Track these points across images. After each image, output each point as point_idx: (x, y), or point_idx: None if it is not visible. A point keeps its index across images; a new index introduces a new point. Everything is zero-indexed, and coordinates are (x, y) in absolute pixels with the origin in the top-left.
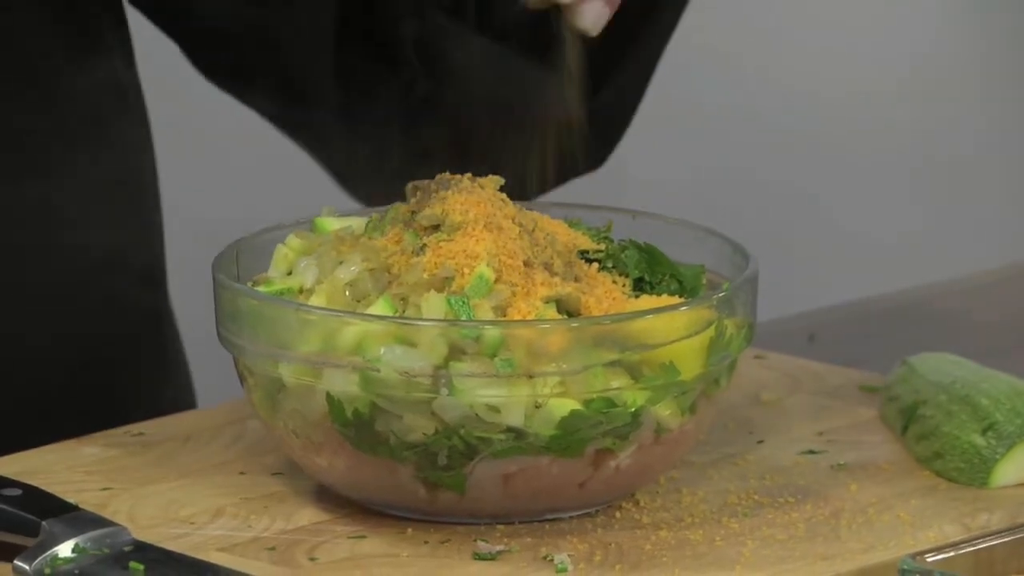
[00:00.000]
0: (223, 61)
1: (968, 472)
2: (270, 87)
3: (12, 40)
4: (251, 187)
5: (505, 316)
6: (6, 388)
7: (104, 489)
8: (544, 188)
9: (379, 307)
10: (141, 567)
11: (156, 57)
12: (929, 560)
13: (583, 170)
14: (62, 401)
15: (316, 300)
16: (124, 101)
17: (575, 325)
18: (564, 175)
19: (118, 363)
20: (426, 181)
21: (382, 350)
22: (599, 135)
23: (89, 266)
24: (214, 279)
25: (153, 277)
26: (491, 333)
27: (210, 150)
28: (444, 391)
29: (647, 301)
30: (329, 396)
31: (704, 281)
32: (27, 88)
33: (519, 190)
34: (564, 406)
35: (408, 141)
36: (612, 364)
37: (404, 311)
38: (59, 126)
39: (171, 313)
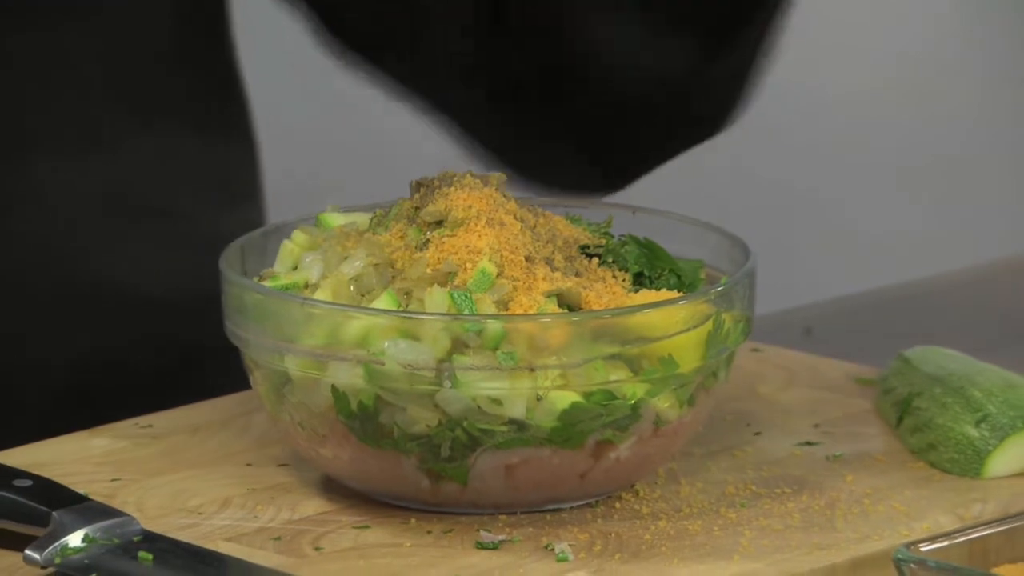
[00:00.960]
0: (361, 28)
1: (962, 463)
2: (406, 57)
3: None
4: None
5: (507, 310)
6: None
7: (113, 480)
8: (665, 157)
9: (383, 301)
10: (150, 557)
11: None
12: (923, 549)
13: (704, 136)
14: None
15: (321, 295)
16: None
17: (576, 319)
18: (688, 142)
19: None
20: (429, 177)
21: (386, 344)
22: (725, 99)
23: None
24: (221, 274)
25: None
26: (493, 327)
27: None
28: (447, 384)
29: (646, 295)
30: (334, 389)
31: (703, 276)
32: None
33: (642, 159)
34: (565, 398)
35: (548, 114)
36: (612, 357)
37: (408, 305)
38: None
39: None
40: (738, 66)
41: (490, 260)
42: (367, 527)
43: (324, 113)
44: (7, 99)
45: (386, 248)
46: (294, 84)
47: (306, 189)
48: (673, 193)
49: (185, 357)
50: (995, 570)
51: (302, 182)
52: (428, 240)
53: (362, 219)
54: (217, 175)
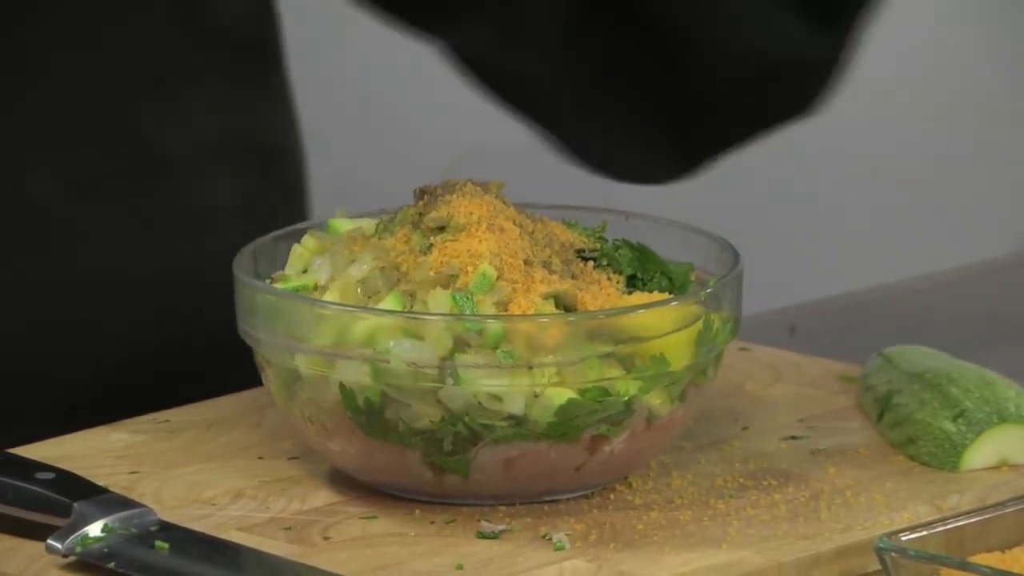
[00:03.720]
0: None
1: (940, 456)
2: (487, 23)
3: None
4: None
5: (506, 311)
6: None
7: (132, 473)
8: (758, 133)
9: (389, 303)
10: (166, 545)
11: None
12: (903, 539)
13: (793, 115)
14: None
15: (330, 296)
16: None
17: (572, 319)
18: (779, 118)
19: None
20: (433, 185)
21: (391, 343)
22: (817, 78)
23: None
24: (234, 276)
25: None
26: (493, 327)
27: None
28: (449, 381)
29: (639, 297)
30: (342, 386)
31: (693, 278)
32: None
33: (723, 139)
34: (561, 395)
35: (639, 101)
36: (606, 356)
37: (412, 306)
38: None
39: None
40: (834, 45)
41: (490, 263)
42: (374, 517)
43: (358, 113)
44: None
45: (391, 252)
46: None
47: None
48: (663, 197)
49: (201, 353)
50: (971, 558)
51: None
52: (431, 244)
53: (369, 224)
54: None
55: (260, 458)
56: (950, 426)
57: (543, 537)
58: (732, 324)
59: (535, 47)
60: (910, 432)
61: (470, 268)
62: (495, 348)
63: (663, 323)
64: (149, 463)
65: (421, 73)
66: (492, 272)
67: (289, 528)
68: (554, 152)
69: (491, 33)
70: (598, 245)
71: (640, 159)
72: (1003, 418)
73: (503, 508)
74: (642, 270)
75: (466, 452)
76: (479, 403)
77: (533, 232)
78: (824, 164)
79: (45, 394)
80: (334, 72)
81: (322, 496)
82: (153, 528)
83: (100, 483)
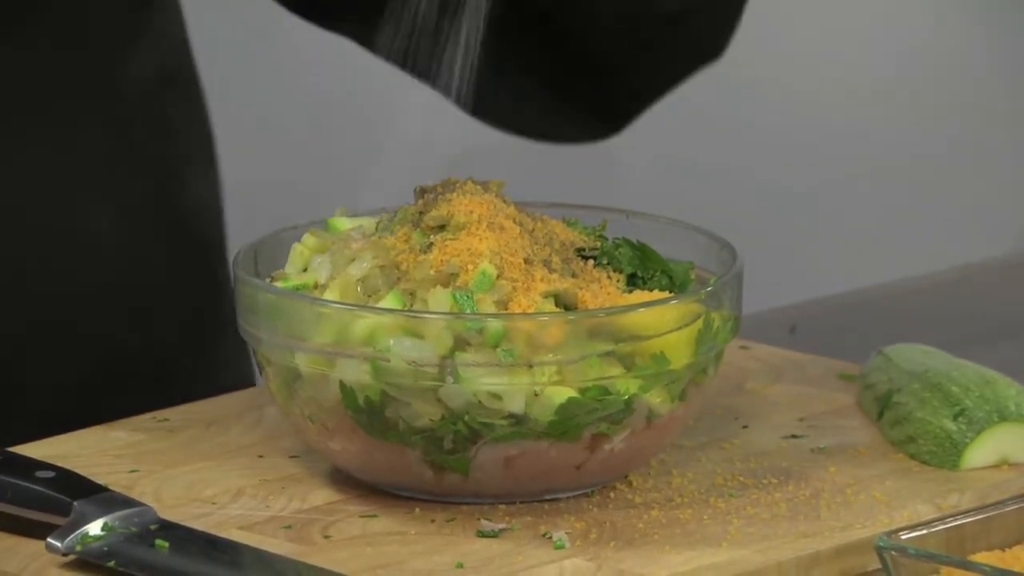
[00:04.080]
0: None
1: (940, 455)
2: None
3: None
4: (266, 187)
5: (506, 310)
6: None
7: (132, 471)
8: (667, 85)
9: (389, 301)
10: (166, 544)
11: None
12: (903, 538)
13: (702, 62)
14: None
15: (330, 295)
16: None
17: (572, 318)
18: (686, 68)
19: (178, 338)
20: (433, 184)
21: (392, 341)
22: (717, 21)
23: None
24: (234, 275)
25: (213, 250)
26: (493, 325)
27: (223, 152)
28: (450, 379)
29: (639, 296)
30: (342, 384)
31: (693, 277)
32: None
33: (634, 93)
34: (561, 394)
35: (537, 63)
36: (606, 354)
37: (412, 305)
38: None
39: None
40: None
41: (490, 262)
42: (374, 516)
43: (336, 116)
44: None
45: (391, 251)
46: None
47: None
48: (664, 196)
49: (200, 352)
50: (971, 557)
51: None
52: (431, 243)
53: (369, 223)
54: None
55: (260, 457)
56: (950, 425)
57: (543, 536)
58: (732, 323)
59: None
60: (910, 431)
61: (470, 267)
62: (495, 347)
63: (663, 322)
64: (149, 462)
65: None
66: (492, 271)
67: (289, 527)
68: (484, 122)
69: (400, 25)
70: (598, 244)
71: (560, 123)
72: (1003, 417)
73: (503, 507)
74: (642, 269)
75: (466, 451)
76: (479, 402)
77: (533, 231)
78: (824, 164)
79: (44, 393)
80: (333, 70)
81: (322, 495)
82: (153, 527)
83: (100, 482)
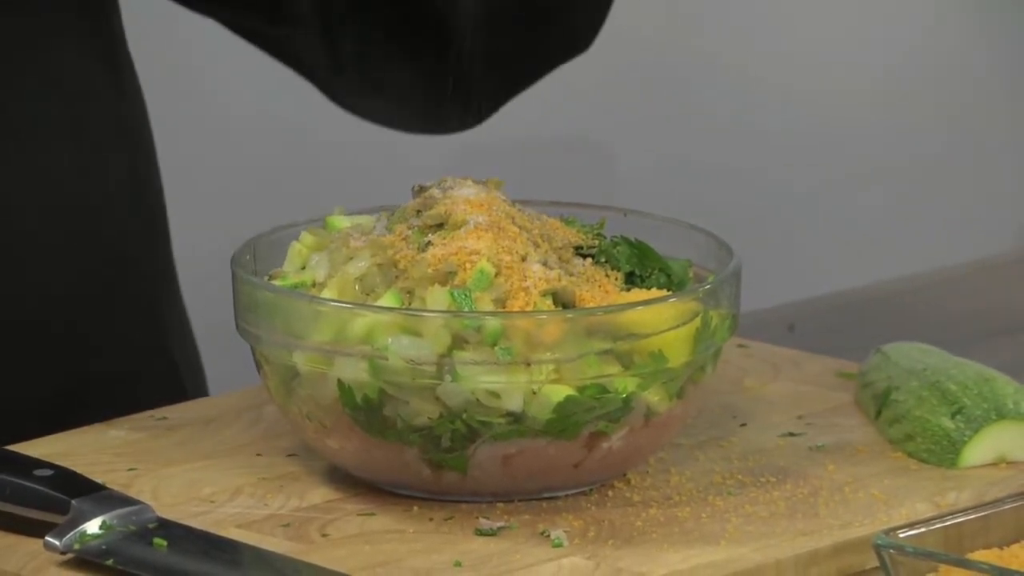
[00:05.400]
0: None
1: (938, 453)
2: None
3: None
4: (265, 187)
5: (504, 308)
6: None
7: (130, 470)
8: (532, 76)
9: (387, 300)
10: (164, 543)
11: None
12: (902, 536)
13: (568, 54)
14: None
15: (328, 293)
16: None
17: (570, 316)
18: (553, 58)
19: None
20: (431, 183)
21: (390, 340)
22: (588, 12)
23: (82, 228)
24: (232, 273)
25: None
26: (491, 324)
27: (222, 151)
28: (448, 378)
29: (637, 294)
30: (340, 383)
31: (691, 275)
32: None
33: (510, 80)
34: (559, 392)
35: (394, 49)
36: (604, 353)
37: (410, 303)
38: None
39: (176, 279)
40: None
41: (488, 260)
42: (372, 514)
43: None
44: None
45: (389, 249)
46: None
47: (317, 188)
48: (662, 194)
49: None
50: (970, 555)
51: (314, 182)
52: (430, 242)
53: (367, 221)
54: None
55: (258, 455)
56: (948, 423)
57: (541, 534)
58: (730, 321)
59: (300, 21)
60: (908, 429)
61: (468, 265)
62: (493, 345)
63: (661, 320)
64: (147, 460)
65: None
66: (490, 269)
67: (287, 525)
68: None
69: (259, 9)
70: (596, 242)
71: (421, 112)
72: (1001, 415)
73: (501, 505)
74: (640, 267)
75: (464, 449)
76: (477, 400)
77: (531, 229)
78: (823, 163)
79: (43, 392)
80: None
81: (320, 493)
82: (151, 525)
83: (98, 480)
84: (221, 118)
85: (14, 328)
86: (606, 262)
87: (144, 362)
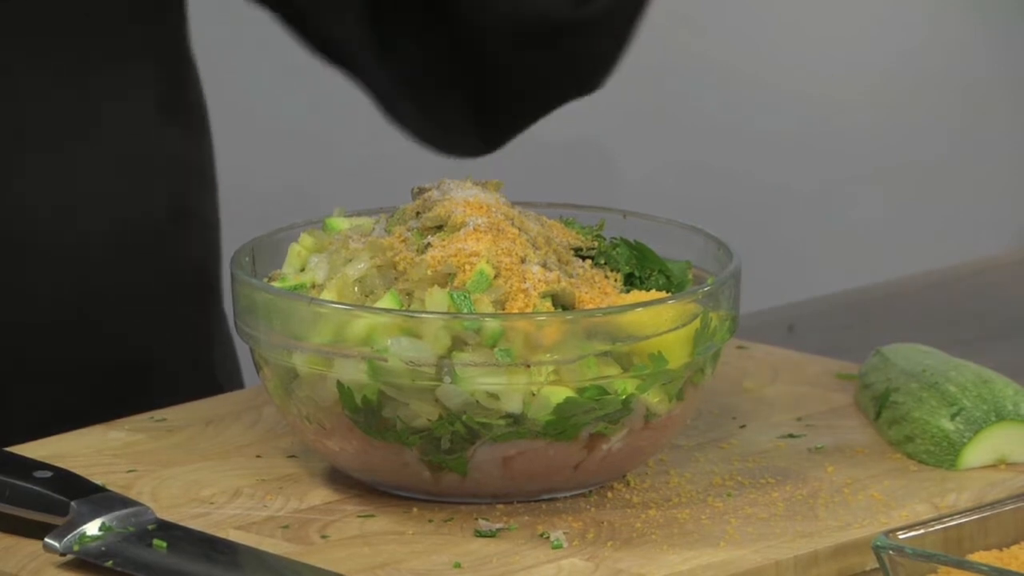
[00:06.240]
0: None
1: (937, 455)
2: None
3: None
4: (265, 186)
5: (504, 310)
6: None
7: (129, 471)
8: (543, 108)
9: (386, 301)
10: (164, 544)
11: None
12: (901, 537)
13: (577, 94)
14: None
15: (327, 295)
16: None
17: (569, 318)
18: (565, 92)
19: (167, 341)
20: (430, 185)
21: (389, 341)
22: (596, 54)
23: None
24: (232, 275)
25: (206, 263)
26: (491, 325)
27: (222, 151)
28: (447, 379)
29: (637, 295)
30: (340, 384)
31: (690, 276)
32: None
33: (520, 111)
34: (559, 394)
35: (434, 72)
36: (604, 354)
37: (410, 305)
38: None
39: (221, 293)
40: (611, 10)
41: (488, 262)
42: (371, 516)
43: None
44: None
45: (389, 251)
46: (299, 88)
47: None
48: (661, 196)
49: (197, 353)
50: (969, 557)
51: (307, 187)
52: (429, 243)
53: (366, 223)
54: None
55: (258, 456)
56: (948, 424)
57: (541, 535)
58: (730, 322)
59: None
60: (908, 430)
61: (468, 267)
62: (493, 346)
63: (661, 321)
64: (147, 462)
65: None
66: (490, 271)
67: (287, 526)
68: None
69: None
70: (596, 244)
71: (447, 135)
72: (1001, 416)
73: (501, 506)
74: (640, 268)
75: (464, 451)
76: (477, 401)
77: (531, 231)
78: (823, 163)
79: (42, 392)
80: (331, 68)
81: (320, 494)
82: (151, 527)
83: (98, 482)
84: (222, 118)
85: (69, 328)
86: (605, 264)
87: (187, 374)
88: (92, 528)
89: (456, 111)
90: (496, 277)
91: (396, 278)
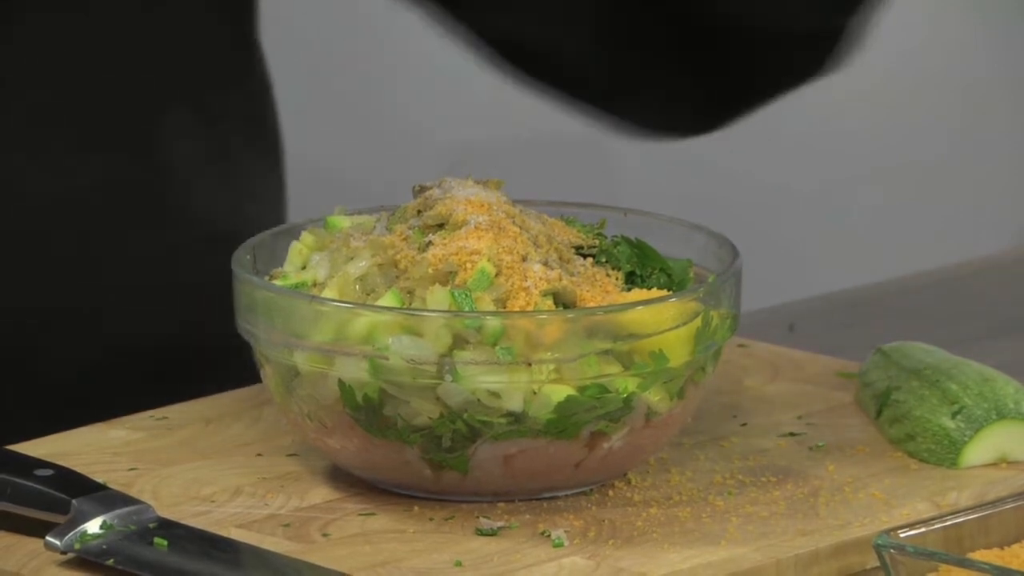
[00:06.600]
0: None
1: (938, 453)
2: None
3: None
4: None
5: (505, 308)
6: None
7: (131, 469)
8: (773, 92)
9: (387, 299)
10: (165, 542)
11: None
12: (902, 536)
13: (807, 76)
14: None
15: (328, 293)
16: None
17: (570, 316)
18: (790, 81)
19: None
20: (432, 183)
21: (390, 339)
22: (831, 40)
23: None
24: (233, 273)
25: None
26: (492, 324)
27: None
28: (448, 378)
29: (638, 294)
30: (341, 382)
31: (691, 274)
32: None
33: (743, 98)
34: (560, 392)
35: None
36: (605, 353)
37: (411, 303)
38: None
39: None
40: (845, 12)
41: (489, 260)
42: (372, 514)
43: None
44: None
45: (390, 249)
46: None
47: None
48: (662, 193)
49: (198, 351)
50: (970, 555)
51: (322, 180)
52: (430, 241)
53: (367, 221)
54: (238, 170)
55: (259, 455)
56: (949, 423)
57: (542, 534)
58: (731, 321)
59: (563, 21)
60: (909, 429)
61: (469, 265)
62: (494, 345)
63: (662, 320)
64: (148, 460)
65: (421, 68)
66: (491, 269)
67: (288, 525)
68: (579, 114)
69: (516, 11)
70: (597, 242)
71: (665, 113)
72: (1002, 415)
73: (502, 505)
74: (641, 267)
75: (465, 449)
76: (478, 400)
77: (532, 229)
78: (823, 162)
79: (43, 391)
80: (332, 69)
81: (321, 493)
82: (152, 525)
83: (99, 480)
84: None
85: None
86: (607, 262)
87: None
88: (93, 526)
89: (685, 107)
90: (497, 275)
91: (397, 276)
